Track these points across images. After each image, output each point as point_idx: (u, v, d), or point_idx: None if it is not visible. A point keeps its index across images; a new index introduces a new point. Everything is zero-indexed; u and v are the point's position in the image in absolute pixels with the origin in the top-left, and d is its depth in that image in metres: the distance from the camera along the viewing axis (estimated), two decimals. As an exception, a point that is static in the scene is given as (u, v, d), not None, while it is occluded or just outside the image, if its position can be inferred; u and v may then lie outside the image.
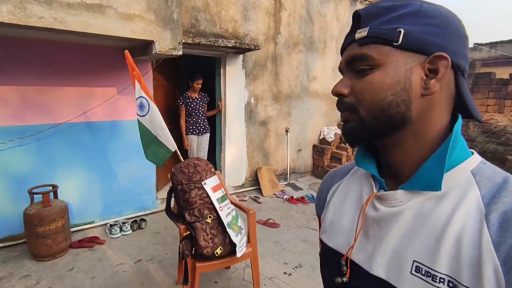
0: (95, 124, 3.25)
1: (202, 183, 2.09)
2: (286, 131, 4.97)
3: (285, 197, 4.37)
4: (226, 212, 2.12)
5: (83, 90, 3.11)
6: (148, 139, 2.35)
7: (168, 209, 2.19)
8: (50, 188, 2.82)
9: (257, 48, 3.85)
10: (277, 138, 4.90)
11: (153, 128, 2.30)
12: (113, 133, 3.38)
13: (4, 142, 2.77)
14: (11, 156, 2.84)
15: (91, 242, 3.01)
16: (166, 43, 2.63)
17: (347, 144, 5.29)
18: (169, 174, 2.15)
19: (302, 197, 4.35)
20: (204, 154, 4.14)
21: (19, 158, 2.89)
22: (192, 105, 3.98)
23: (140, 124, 2.34)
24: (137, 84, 2.23)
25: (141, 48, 2.85)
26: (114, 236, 3.16)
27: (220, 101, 4.24)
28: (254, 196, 4.36)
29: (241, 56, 4.21)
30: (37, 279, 2.48)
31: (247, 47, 3.74)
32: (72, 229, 3.18)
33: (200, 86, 3.99)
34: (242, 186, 4.62)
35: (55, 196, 2.89)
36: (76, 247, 2.94)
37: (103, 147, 3.34)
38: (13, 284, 2.40)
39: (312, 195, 4.50)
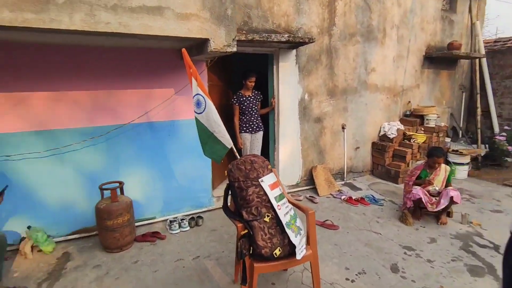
0: (155, 124, 3.40)
1: (259, 180, 2.02)
2: (343, 128, 4.69)
3: (342, 197, 4.12)
4: (284, 211, 2.02)
5: (144, 92, 3.28)
6: (205, 136, 2.36)
7: (225, 207, 2.16)
8: (117, 184, 3.01)
9: (311, 40, 3.68)
10: (333, 135, 4.65)
11: (209, 125, 2.30)
12: (171, 133, 3.50)
13: (79, 142, 3.03)
14: (86, 155, 3.10)
15: (153, 236, 3.15)
16: (220, 40, 2.62)
17: (411, 141, 4.81)
18: (225, 171, 2.11)
19: (362, 198, 4.05)
20: (257, 153, 4.10)
21: (92, 157, 3.14)
22: (245, 104, 3.96)
23: (197, 121, 2.35)
24: (194, 82, 2.25)
25: (196, 47, 2.90)
26: (173, 232, 3.27)
27: (273, 98, 4.16)
28: (310, 196, 4.19)
29: (294, 51, 4.07)
30: (106, 269, 2.65)
31: (301, 40, 3.60)
32: (136, 224, 3.37)
33: (253, 84, 3.95)
34: (297, 185, 4.48)
35: (122, 192, 3.08)
36: (140, 240, 3.10)
37: (162, 146, 3.48)
38: (87, 273, 2.60)
39: (372, 195, 4.17)
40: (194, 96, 2.28)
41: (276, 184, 2.12)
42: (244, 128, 4.01)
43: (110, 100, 3.14)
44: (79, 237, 3.16)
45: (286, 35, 3.49)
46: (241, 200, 2.02)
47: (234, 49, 2.71)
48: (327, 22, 4.27)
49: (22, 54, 2.74)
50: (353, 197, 4.07)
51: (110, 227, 2.83)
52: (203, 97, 2.23)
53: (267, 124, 4.34)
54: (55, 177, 3.02)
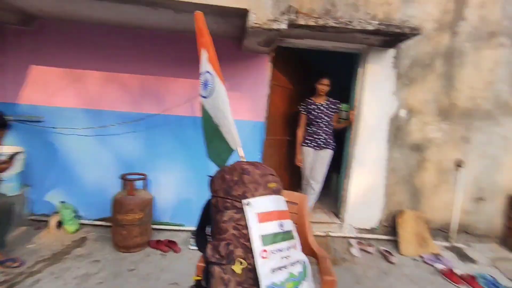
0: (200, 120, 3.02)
1: (244, 201, 1.25)
2: (458, 166, 3.24)
3: (438, 266, 2.73)
4: (274, 263, 1.18)
5: (193, 82, 2.95)
6: (211, 130, 1.75)
7: (199, 230, 1.47)
8: (139, 177, 2.72)
9: (415, 33, 2.62)
10: (439, 174, 3.26)
11: (215, 115, 1.68)
12: (218, 133, 3.04)
13: (120, 123, 2.91)
14: (125, 141, 2.96)
15: (168, 246, 2.69)
16: (264, 13, 2.01)
17: None
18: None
19: (472, 277, 2.57)
20: (319, 176, 3.18)
21: (131, 144, 2.97)
22: (315, 113, 3.16)
23: (203, 109, 1.78)
24: (203, 54, 1.69)
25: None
26: (192, 247, 2.74)
27: (353, 111, 3.20)
28: (385, 251, 2.95)
29: (391, 51, 3.05)
30: (100, 268, 2.31)
31: (397, 31, 2.59)
32: (161, 227, 3.01)
33: (325, 88, 3.13)
34: (372, 231, 3.29)
35: (145, 186, 2.77)
36: (153, 246, 2.69)
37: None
38: (81, 266, 2.33)
39: (494, 278, 2.59)
40: (201, 74, 1.73)
41: (279, 216, 1.30)
42: (307, 141, 3.20)
43: (157, 87, 2.93)
44: (105, 225, 2.99)
45: (376, 23, 2.57)
46: (214, 225, 1.30)
47: (282, 26, 2.04)
48: (450, 15, 3.06)
49: (83, 32, 2.81)
50: (457, 272, 2.63)
51: (119, 221, 2.52)
52: (212, 76, 1.64)
53: (342, 144, 3.38)
54: (95, 158, 2.96)
